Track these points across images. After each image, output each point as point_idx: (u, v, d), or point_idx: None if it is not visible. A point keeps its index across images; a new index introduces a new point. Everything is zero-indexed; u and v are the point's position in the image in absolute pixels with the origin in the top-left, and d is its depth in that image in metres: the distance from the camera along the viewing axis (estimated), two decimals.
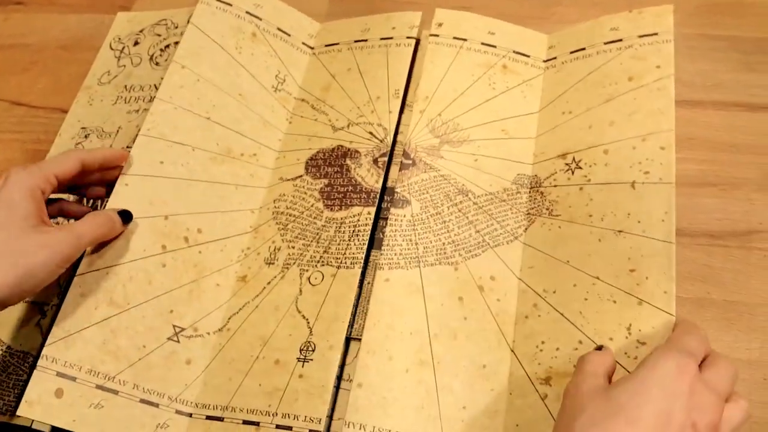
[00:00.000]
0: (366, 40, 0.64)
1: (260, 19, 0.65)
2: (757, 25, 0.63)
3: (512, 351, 0.49)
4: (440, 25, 0.62)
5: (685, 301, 0.50)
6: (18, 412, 0.46)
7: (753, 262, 0.52)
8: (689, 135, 0.57)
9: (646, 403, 0.36)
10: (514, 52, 0.61)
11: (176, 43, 0.64)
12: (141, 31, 0.68)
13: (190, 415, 0.50)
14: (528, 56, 0.61)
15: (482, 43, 0.61)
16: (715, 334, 0.49)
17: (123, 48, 0.68)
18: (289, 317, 0.52)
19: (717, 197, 0.55)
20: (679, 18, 0.64)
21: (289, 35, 0.66)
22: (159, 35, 0.67)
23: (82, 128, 0.64)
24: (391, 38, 0.63)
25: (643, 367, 0.38)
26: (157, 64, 0.65)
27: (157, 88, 0.59)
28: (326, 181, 0.57)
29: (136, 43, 0.67)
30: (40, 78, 0.73)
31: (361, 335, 0.50)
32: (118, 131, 0.62)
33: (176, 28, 0.67)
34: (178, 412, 0.49)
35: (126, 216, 0.51)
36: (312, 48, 0.67)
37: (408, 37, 0.62)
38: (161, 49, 0.66)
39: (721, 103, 0.59)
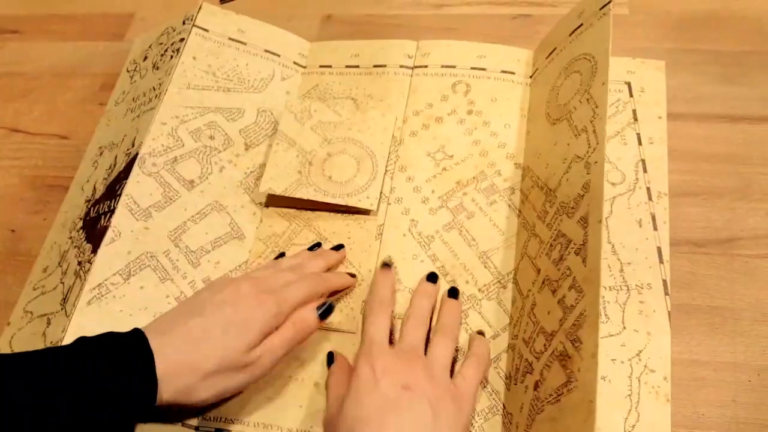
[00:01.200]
0: (357, 66, 0.66)
1: (244, 44, 0.66)
2: (736, 40, 0.65)
3: None
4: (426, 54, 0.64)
5: (671, 308, 0.51)
6: None
7: (735, 268, 0.53)
8: (672, 147, 0.59)
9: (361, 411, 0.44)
10: (501, 71, 0.63)
11: (173, 45, 0.66)
12: (150, 46, 0.69)
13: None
14: (513, 73, 0.63)
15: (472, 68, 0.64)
16: (701, 338, 0.51)
17: (135, 67, 0.70)
18: None
19: (700, 206, 0.56)
20: (660, 34, 0.66)
21: (279, 55, 0.67)
22: (162, 44, 0.68)
23: (99, 148, 0.66)
24: (385, 65, 0.66)
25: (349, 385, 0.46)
26: (156, 68, 0.66)
27: (155, 90, 0.61)
28: None
29: (145, 58, 0.69)
30: (37, 105, 0.74)
31: None
32: (123, 139, 0.63)
33: (174, 30, 0.68)
34: None
35: (326, 312, 0.52)
36: (304, 66, 0.68)
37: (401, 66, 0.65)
38: (161, 54, 0.67)
39: (703, 116, 0.61)
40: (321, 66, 0.68)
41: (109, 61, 0.76)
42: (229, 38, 0.66)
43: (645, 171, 0.57)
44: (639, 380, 0.48)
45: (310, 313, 0.49)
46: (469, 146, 0.60)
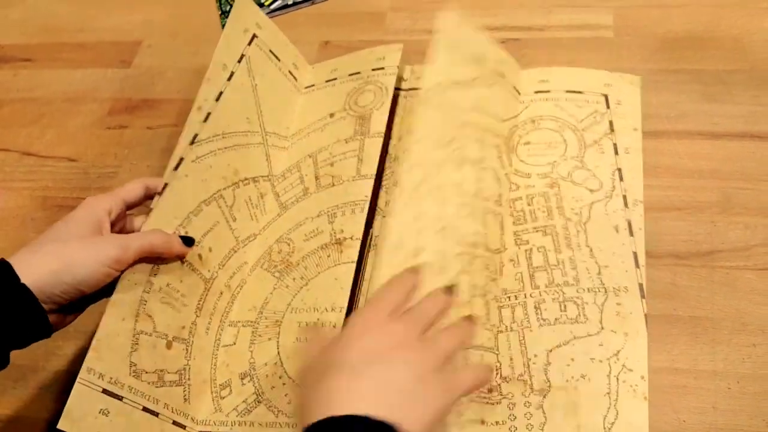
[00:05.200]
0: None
1: (257, 37, 0.69)
2: (717, 59, 0.67)
3: None
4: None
5: (653, 318, 0.53)
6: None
7: (716, 279, 0.55)
8: (655, 163, 0.61)
9: (346, 350, 0.42)
10: None
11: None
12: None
13: None
14: None
15: None
16: (682, 347, 0.52)
17: None
18: None
19: (682, 220, 0.58)
20: (645, 54, 0.68)
21: (279, 60, 0.70)
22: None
23: None
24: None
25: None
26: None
27: None
28: None
29: None
30: (48, 129, 0.77)
31: None
32: None
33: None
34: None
35: (187, 240, 0.55)
36: (296, 78, 0.72)
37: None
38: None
39: (685, 133, 0.63)
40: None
41: (117, 86, 0.79)
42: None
43: (621, 179, 0.59)
44: (617, 379, 0.50)
45: None
46: None
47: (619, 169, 0.60)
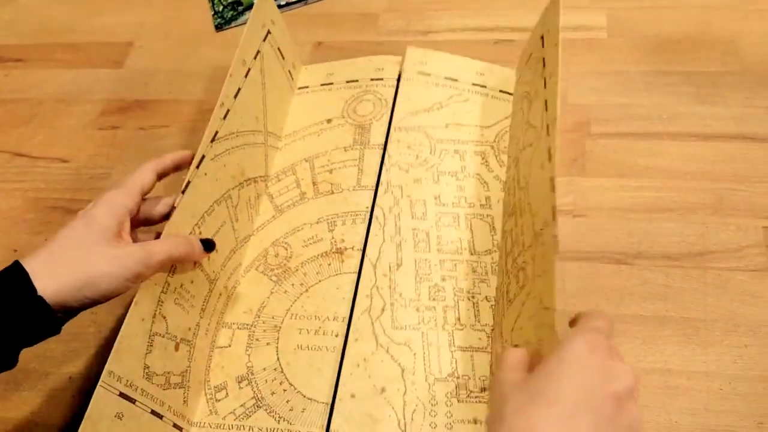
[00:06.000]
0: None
1: (270, 33, 0.68)
2: (709, 61, 0.67)
3: None
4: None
5: (645, 319, 0.53)
6: None
7: (708, 281, 0.55)
8: (648, 165, 0.61)
9: (562, 383, 0.37)
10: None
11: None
12: None
13: None
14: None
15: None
16: (674, 348, 0.53)
17: None
18: None
19: (674, 221, 0.58)
20: (638, 56, 0.69)
21: (284, 58, 0.70)
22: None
23: None
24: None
25: (556, 351, 0.39)
26: None
27: None
28: None
29: None
30: (39, 130, 0.77)
31: None
32: None
33: None
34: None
35: (208, 244, 0.54)
36: (293, 78, 0.72)
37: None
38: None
39: (677, 134, 0.63)
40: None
41: (110, 87, 0.79)
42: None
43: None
44: None
45: None
46: None
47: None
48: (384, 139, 0.65)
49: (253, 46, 0.64)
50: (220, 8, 0.82)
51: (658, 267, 0.56)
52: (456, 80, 0.67)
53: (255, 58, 0.64)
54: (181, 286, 0.53)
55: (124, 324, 0.47)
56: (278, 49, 0.68)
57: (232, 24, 0.81)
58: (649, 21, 0.71)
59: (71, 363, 0.59)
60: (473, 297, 0.56)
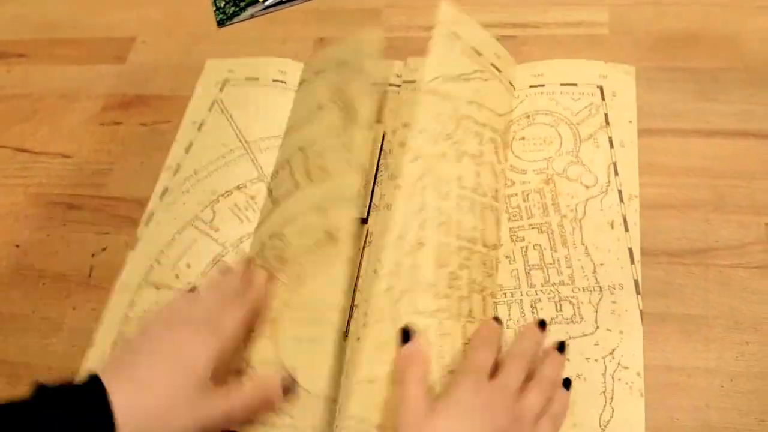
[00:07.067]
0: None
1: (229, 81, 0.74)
2: (711, 57, 0.67)
3: None
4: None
5: (646, 316, 0.53)
6: None
7: (710, 277, 0.55)
8: (650, 161, 0.61)
9: (456, 424, 0.44)
10: None
11: None
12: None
13: None
14: None
15: None
16: (675, 345, 0.53)
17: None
18: None
19: (676, 218, 0.58)
20: (639, 52, 0.68)
21: (258, 79, 0.73)
22: None
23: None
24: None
25: (446, 395, 0.46)
26: None
27: None
28: None
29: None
30: (42, 125, 0.77)
31: None
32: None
33: None
34: None
35: (289, 387, 0.52)
36: (284, 82, 0.72)
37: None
38: None
39: (679, 131, 0.63)
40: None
41: (112, 83, 0.79)
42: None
43: (617, 174, 0.59)
44: (613, 377, 0.50)
45: None
46: None
47: (615, 164, 0.60)
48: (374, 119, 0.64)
49: (205, 105, 0.72)
50: (222, 4, 0.82)
51: (660, 264, 0.56)
52: (480, 54, 0.64)
53: (210, 110, 0.71)
54: None
55: None
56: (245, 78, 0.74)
57: (234, 20, 0.81)
58: (652, 17, 0.71)
59: (73, 359, 0.59)
60: (483, 290, 0.55)
